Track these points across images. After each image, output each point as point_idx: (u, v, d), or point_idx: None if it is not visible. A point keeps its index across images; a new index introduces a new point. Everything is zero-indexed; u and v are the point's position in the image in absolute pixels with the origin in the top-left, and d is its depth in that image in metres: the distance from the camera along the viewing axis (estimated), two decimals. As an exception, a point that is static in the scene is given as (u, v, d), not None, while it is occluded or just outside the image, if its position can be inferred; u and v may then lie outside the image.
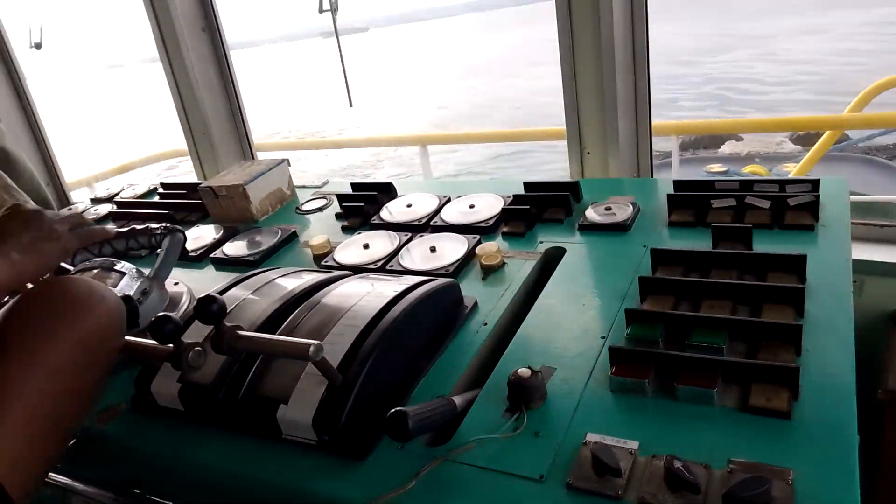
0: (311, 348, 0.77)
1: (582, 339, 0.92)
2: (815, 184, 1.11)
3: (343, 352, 0.86)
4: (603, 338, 0.91)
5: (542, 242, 1.22)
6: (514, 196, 1.35)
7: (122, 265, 1.20)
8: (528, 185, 1.38)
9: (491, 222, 1.29)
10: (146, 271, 1.17)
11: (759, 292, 0.89)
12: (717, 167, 6.67)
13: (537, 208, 1.29)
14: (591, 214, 1.24)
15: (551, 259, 1.17)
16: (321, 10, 1.81)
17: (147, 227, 1.34)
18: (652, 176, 1.58)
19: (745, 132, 7.75)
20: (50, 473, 0.94)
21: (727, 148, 7.62)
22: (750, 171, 6.45)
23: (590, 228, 1.22)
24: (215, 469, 0.86)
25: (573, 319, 0.97)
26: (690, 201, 1.18)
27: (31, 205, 2.09)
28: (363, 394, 0.83)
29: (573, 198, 1.31)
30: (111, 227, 1.00)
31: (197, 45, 1.95)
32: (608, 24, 1.39)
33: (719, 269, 0.97)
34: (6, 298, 0.84)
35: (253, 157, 2.15)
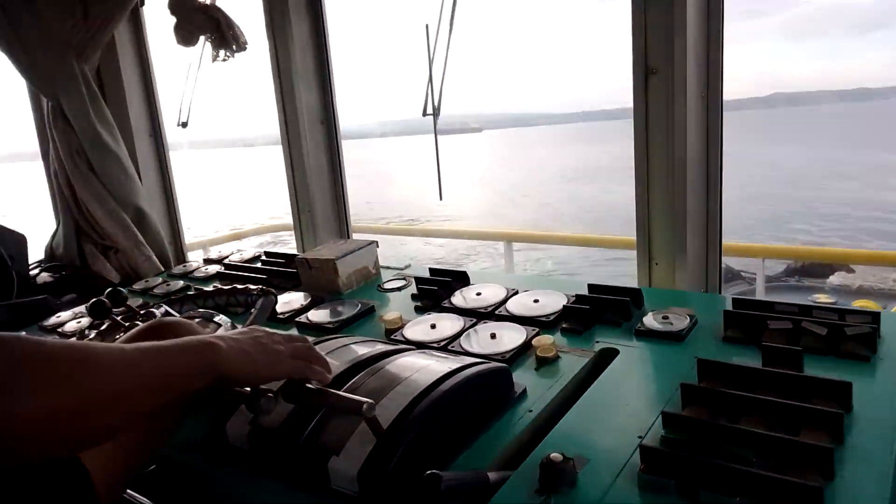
0: (365, 406, 0.87)
1: (619, 436, 0.96)
2: (875, 316, 1.12)
3: (394, 415, 0.95)
4: (640, 437, 0.95)
5: (597, 342, 1.28)
6: (576, 296, 1.43)
7: (220, 318, 1.37)
8: (591, 287, 1.45)
9: (552, 317, 1.37)
10: (239, 326, 1.32)
11: (798, 413, 0.91)
12: (823, 297, 6.30)
13: (598, 309, 1.36)
14: (649, 321, 1.29)
15: (604, 358, 1.22)
16: (424, 114, 2.02)
17: (246, 287, 1.53)
18: (720, 292, 1.61)
19: (853, 262, 7.31)
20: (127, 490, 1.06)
21: (836, 279, 7.18)
22: (860, 305, 6.07)
23: (645, 334, 1.27)
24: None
25: (614, 417, 1.02)
26: (747, 320, 1.21)
27: (155, 261, 2.37)
28: (406, 455, 0.91)
29: (633, 304, 1.37)
30: (334, 362, 1.03)
31: (314, 135, 2.22)
32: (682, 146, 1.49)
33: (764, 388, 0.99)
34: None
35: (349, 237, 2.36)
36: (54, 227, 2.54)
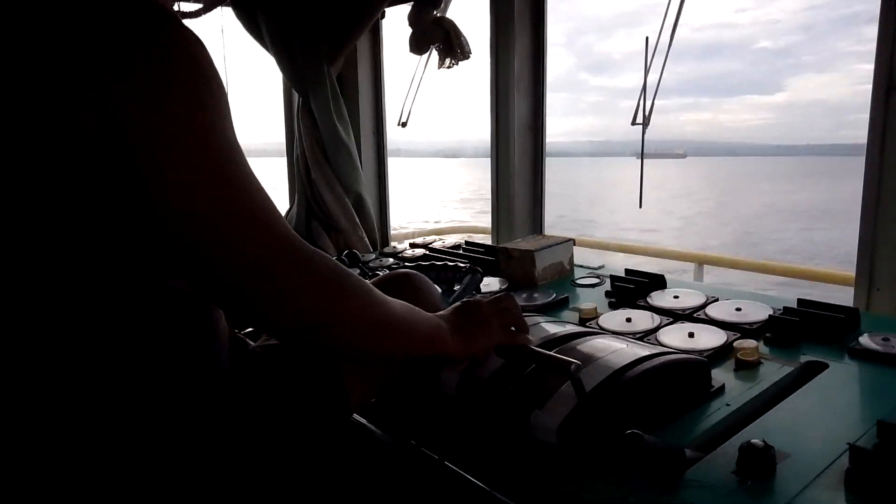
0: (573, 366, 0.96)
1: (824, 439, 0.95)
2: None
3: (596, 383, 1.03)
4: (848, 444, 0.93)
5: (804, 355, 1.24)
6: (784, 308, 1.39)
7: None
8: (801, 301, 1.41)
9: (755, 326, 1.35)
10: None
11: None
12: None
13: (807, 323, 1.32)
14: (866, 341, 1.23)
15: (811, 371, 1.19)
16: (633, 123, 2.07)
17: (456, 264, 1.69)
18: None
19: None
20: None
21: None
22: None
23: (861, 354, 1.21)
24: (469, 443, 1.08)
25: (819, 423, 1.00)
26: None
27: (366, 243, 2.68)
28: (605, 417, 0.98)
29: (848, 323, 1.30)
30: (531, 338, 1.12)
31: (522, 141, 2.37)
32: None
33: None
34: None
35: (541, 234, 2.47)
36: (287, 207, 2.96)
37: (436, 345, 0.99)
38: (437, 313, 1.07)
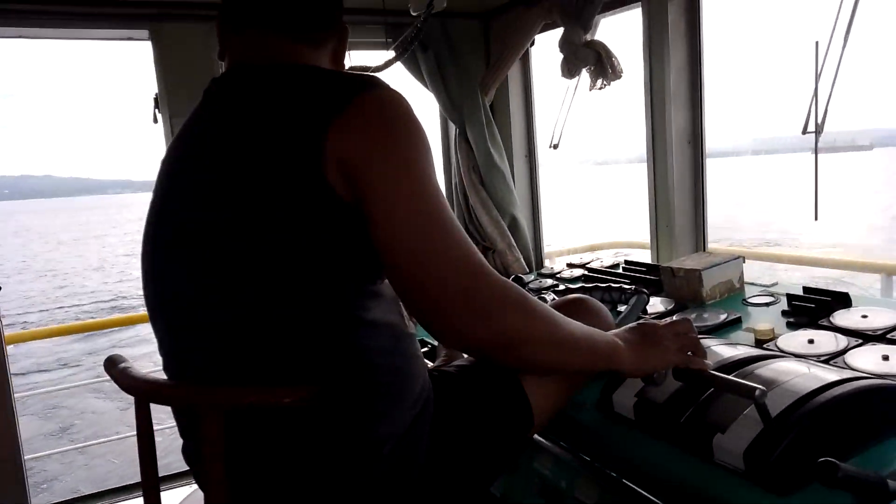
0: (757, 391, 0.97)
1: None
2: None
3: (782, 408, 1.02)
4: None
5: None
6: None
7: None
8: None
9: (963, 349, 1.24)
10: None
11: None
12: None
13: None
14: None
15: None
16: (804, 132, 1.97)
17: (621, 286, 1.72)
18: None
19: None
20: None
21: None
22: None
23: None
24: (647, 464, 1.10)
25: None
26: None
27: (522, 263, 2.76)
28: (793, 444, 0.97)
29: None
30: (708, 362, 1.13)
31: (680, 154, 2.33)
32: None
33: None
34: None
35: (705, 251, 2.40)
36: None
37: (613, 361, 1.06)
38: (613, 331, 1.13)
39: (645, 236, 2.64)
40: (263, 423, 0.90)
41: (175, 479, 2.75)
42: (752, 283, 1.90)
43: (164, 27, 2.30)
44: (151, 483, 0.99)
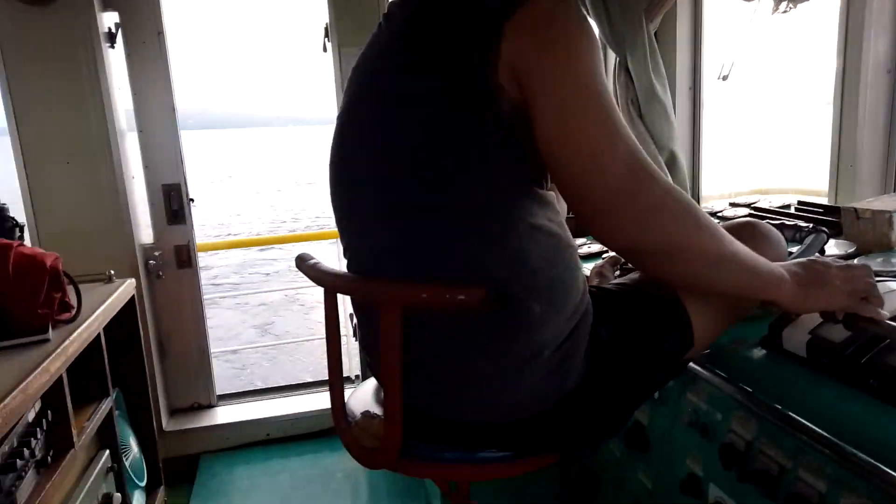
0: None
1: None
2: None
3: None
4: None
5: None
6: None
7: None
8: None
9: None
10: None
11: None
12: None
13: None
14: None
15: None
16: None
17: (796, 224, 1.60)
18: None
19: None
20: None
21: None
22: None
23: None
24: (821, 402, 1.05)
25: None
26: None
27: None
28: None
29: None
30: (884, 312, 1.05)
31: (876, 86, 2.08)
32: None
33: None
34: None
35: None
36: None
37: (774, 291, 1.02)
38: (781, 262, 1.07)
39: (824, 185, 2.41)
40: (436, 320, 0.97)
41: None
42: (955, 230, 1.68)
43: (337, -44, 2.40)
44: (336, 360, 1.11)
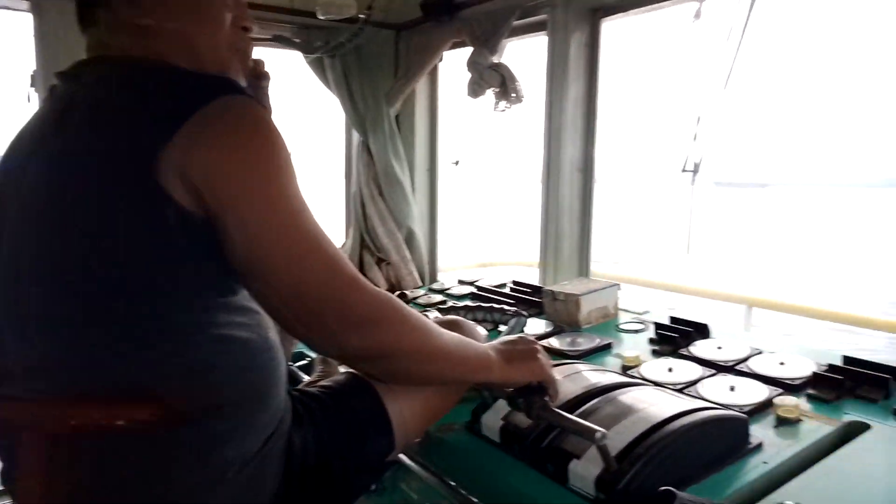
0: (597, 434, 1.00)
1: (862, 505, 0.96)
2: None
3: (627, 441, 1.06)
4: (886, 511, 0.94)
5: (846, 414, 1.24)
6: (829, 364, 1.39)
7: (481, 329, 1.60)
8: (847, 359, 1.40)
9: (797, 382, 1.36)
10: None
11: None
12: None
13: (852, 381, 1.32)
14: (912, 404, 1.23)
15: (853, 431, 1.19)
16: (683, 170, 2.10)
17: (502, 307, 1.75)
18: None
19: None
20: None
21: None
22: None
23: (906, 417, 1.21)
24: (509, 488, 1.12)
25: (858, 488, 1.01)
26: None
27: (415, 276, 2.76)
28: (636, 476, 1.01)
29: (894, 382, 1.30)
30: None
31: (572, 182, 2.42)
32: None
33: None
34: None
35: (587, 277, 2.50)
36: (343, 241, 3.08)
37: (486, 371, 1.08)
38: (487, 343, 1.15)
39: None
40: (110, 441, 0.84)
41: None
42: (626, 311, 1.99)
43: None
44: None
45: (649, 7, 2.20)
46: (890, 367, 1.35)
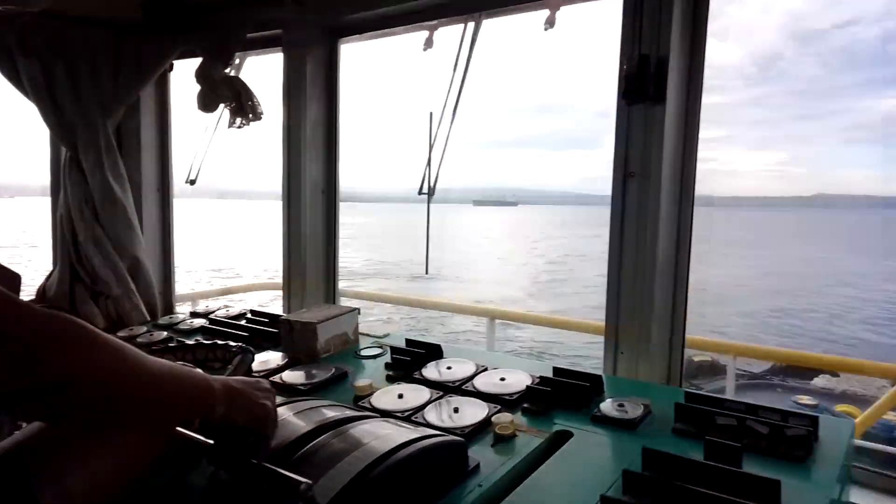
0: (302, 486, 0.91)
1: (563, 514, 1.00)
2: (813, 420, 1.18)
3: (343, 483, 0.99)
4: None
5: (555, 423, 1.32)
6: (541, 377, 1.48)
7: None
8: (556, 371, 1.51)
9: (515, 397, 1.42)
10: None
11: (728, 507, 0.95)
12: (805, 399, 6.29)
13: (559, 392, 1.41)
14: (606, 407, 1.35)
15: (559, 440, 1.27)
16: (420, 192, 2.14)
17: (226, 343, 1.59)
18: (681, 385, 1.67)
19: (830, 368, 7.27)
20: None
21: (820, 381, 7.22)
22: (843, 410, 6.06)
23: (601, 420, 1.32)
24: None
25: (558, 498, 1.06)
26: (696, 414, 1.26)
27: (142, 311, 2.43)
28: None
29: (593, 390, 1.42)
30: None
31: (314, 203, 2.34)
32: (653, 243, 1.59)
33: (704, 481, 1.04)
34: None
35: (335, 301, 2.43)
36: (50, 269, 2.61)
37: (208, 394, 0.95)
38: (209, 375, 1.01)
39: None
40: None
41: None
42: (366, 335, 1.95)
43: None
44: None
45: (384, 32, 2.22)
46: (591, 375, 1.47)
